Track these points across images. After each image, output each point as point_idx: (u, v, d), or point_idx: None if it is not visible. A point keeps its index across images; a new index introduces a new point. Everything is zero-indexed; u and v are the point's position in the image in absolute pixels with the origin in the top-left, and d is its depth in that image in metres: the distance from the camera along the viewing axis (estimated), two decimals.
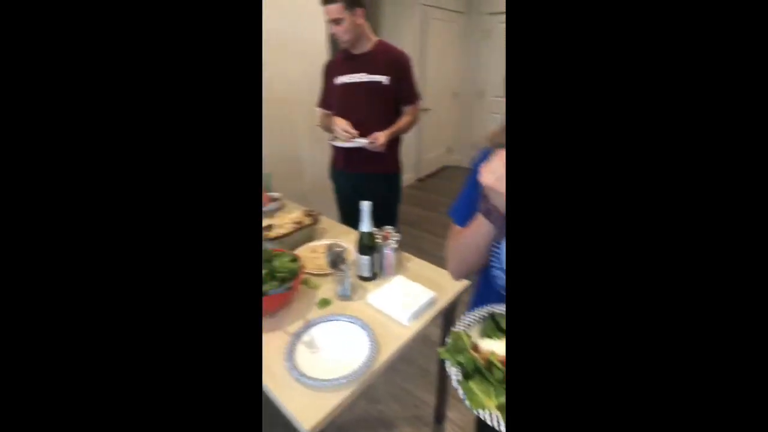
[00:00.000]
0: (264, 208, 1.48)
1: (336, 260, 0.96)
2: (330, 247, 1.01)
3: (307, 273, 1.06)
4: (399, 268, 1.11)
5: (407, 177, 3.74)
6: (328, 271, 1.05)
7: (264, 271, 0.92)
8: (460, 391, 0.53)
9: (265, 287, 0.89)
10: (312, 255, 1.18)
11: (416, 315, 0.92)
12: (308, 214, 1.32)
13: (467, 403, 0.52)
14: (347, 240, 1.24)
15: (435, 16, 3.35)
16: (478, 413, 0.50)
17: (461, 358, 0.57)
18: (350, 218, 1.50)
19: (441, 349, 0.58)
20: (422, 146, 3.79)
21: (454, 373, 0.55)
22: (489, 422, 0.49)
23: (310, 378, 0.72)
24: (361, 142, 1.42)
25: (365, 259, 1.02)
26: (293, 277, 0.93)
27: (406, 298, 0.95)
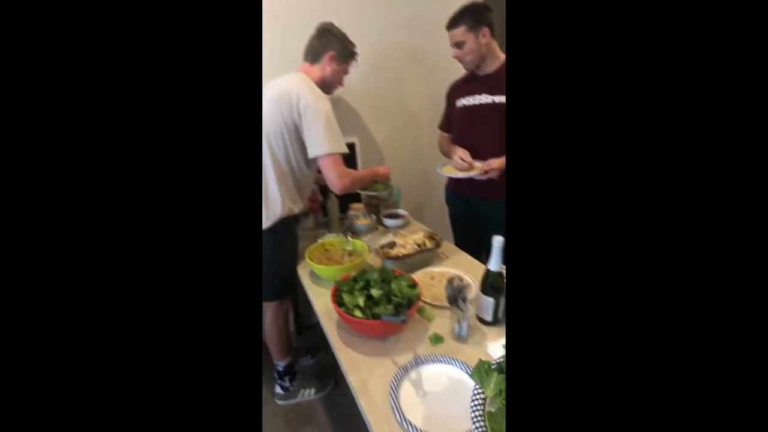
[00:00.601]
0: (389, 223, 1.51)
1: (455, 296, 0.88)
2: (451, 280, 0.93)
3: (423, 301, 1.00)
4: None
5: None
6: (445, 303, 0.97)
7: (380, 292, 0.90)
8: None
9: (379, 309, 0.87)
10: (429, 282, 1.12)
11: None
12: (431, 237, 1.27)
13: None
14: (467, 271, 1.14)
15: None
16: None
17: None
18: (461, 244, 1.39)
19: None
20: None
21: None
22: None
23: (413, 427, 0.66)
24: (474, 172, 1.30)
25: (489, 300, 0.90)
26: (409, 305, 0.89)
27: None
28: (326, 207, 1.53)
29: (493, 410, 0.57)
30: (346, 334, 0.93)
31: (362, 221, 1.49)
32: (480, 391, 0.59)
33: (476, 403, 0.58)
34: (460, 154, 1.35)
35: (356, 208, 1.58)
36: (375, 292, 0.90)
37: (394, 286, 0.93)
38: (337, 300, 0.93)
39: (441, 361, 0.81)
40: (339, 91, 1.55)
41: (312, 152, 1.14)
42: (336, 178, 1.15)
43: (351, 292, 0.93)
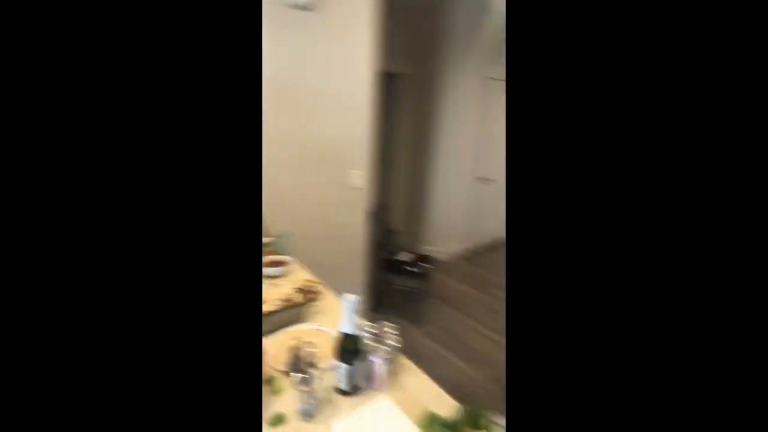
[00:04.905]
0: (266, 272, 1.35)
1: (299, 364, 0.74)
2: (297, 346, 0.80)
3: (274, 369, 0.85)
4: (394, 384, 0.84)
5: (457, 248, 3.44)
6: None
7: None
8: None
9: None
10: (292, 344, 0.97)
11: None
12: (306, 290, 1.14)
13: None
14: None
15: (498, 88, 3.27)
16: None
17: None
18: None
19: None
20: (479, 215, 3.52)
21: None
22: None
23: None
24: None
25: (343, 367, 0.78)
26: None
27: None
28: None
29: None
30: None
31: None
32: None
33: None
34: None
35: None
36: None
37: None
38: None
39: None
40: None
41: None
42: None
43: None
